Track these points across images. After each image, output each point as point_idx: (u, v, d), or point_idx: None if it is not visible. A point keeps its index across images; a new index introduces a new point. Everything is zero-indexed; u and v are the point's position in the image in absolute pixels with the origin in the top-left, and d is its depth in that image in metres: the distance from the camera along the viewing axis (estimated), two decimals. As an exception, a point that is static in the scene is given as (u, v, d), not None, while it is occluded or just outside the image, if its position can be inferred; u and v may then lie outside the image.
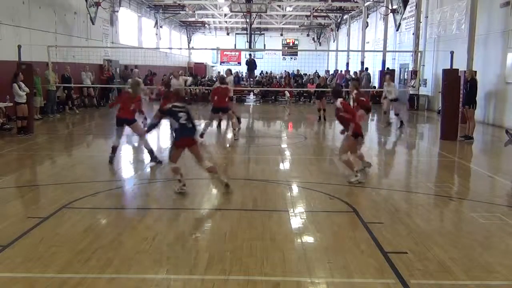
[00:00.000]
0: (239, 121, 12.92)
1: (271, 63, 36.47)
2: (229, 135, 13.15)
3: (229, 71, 15.81)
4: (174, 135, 6.78)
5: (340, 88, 7.92)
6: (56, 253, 4.44)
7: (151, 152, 8.80)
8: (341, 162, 7.54)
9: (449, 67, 13.05)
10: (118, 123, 8.82)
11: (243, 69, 31.41)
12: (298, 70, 30.98)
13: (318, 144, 11.90)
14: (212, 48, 41.37)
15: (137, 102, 8.99)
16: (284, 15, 37.66)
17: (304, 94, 25.14)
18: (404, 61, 24.18)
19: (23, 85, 11.87)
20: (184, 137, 6.57)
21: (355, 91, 10.12)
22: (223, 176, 6.79)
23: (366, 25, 29.37)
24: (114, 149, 8.77)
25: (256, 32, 39.86)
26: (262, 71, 33.10)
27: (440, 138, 12.05)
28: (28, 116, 12.01)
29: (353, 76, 25.58)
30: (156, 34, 32.95)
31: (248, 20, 31.66)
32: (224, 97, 11.71)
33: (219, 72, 34.96)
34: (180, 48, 42.89)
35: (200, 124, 11.51)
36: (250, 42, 33.17)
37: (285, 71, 32.69)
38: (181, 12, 33.46)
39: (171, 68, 33.29)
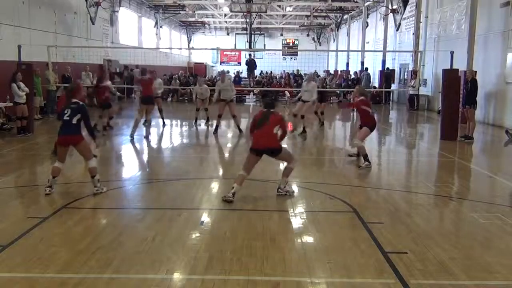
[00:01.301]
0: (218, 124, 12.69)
1: (271, 63, 36.47)
2: (231, 135, 13.13)
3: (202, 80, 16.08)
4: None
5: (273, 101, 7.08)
6: (56, 253, 4.44)
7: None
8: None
9: (449, 67, 13.04)
10: None
11: (243, 69, 31.40)
12: (298, 70, 30.97)
13: (318, 144, 11.90)
14: (212, 48, 41.40)
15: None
16: (284, 15, 37.68)
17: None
18: (404, 61, 24.19)
19: (22, 85, 11.86)
20: (64, 135, 6.45)
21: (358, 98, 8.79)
22: (97, 183, 6.52)
23: (366, 25, 29.38)
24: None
25: (256, 32, 39.87)
26: (262, 71, 33.10)
27: (440, 138, 12.05)
28: (28, 116, 12.01)
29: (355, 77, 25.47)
30: (156, 34, 32.96)
31: (248, 20, 31.68)
32: (149, 88, 12.13)
33: (220, 71, 34.90)
34: (180, 48, 42.91)
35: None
36: (250, 42, 33.19)
37: (284, 71, 32.67)
38: (181, 12, 33.46)
39: (171, 68, 33.30)
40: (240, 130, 12.62)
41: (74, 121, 6.38)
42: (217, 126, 12.71)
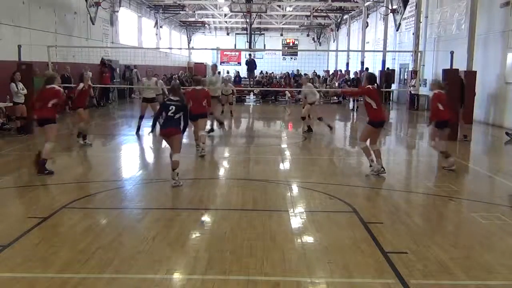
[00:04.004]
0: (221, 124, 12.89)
1: (271, 63, 36.48)
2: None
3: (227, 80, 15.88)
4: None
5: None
6: (56, 253, 4.44)
7: (42, 163, 7.58)
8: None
9: (449, 67, 13.03)
10: (38, 123, 7.88)
11: (243, 69, 31.41)
12: (298, 70, 30.96)
13: (318, 144, 11.90)
14: (212, 48, 41.41)
15: (57, 96, 7.82)
16: (284, 15, 37.68)
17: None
18: (404, 61, 24.19)
19: (21, 86, 11.89)
20: (166, 128, 7.03)
21: None
22: (176, 176, 6.95)
23: (366, 25, 29.38)
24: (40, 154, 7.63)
25: (256, 32, 39.87)
26: (262, 71, 33.13)
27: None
28: (27, 116, 12.01)
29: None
30: (156, 34, 32.96)
31: (248, 20, 31.67)
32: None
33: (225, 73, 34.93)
34: (180, 48, 42.93)
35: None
36: (250, 42, 33.18)
37: (281, 72, 32.72)
38: (181, 12, 33.48)
39: (171, 68, 33.32)
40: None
41: (176, 116, 7.04)
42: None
